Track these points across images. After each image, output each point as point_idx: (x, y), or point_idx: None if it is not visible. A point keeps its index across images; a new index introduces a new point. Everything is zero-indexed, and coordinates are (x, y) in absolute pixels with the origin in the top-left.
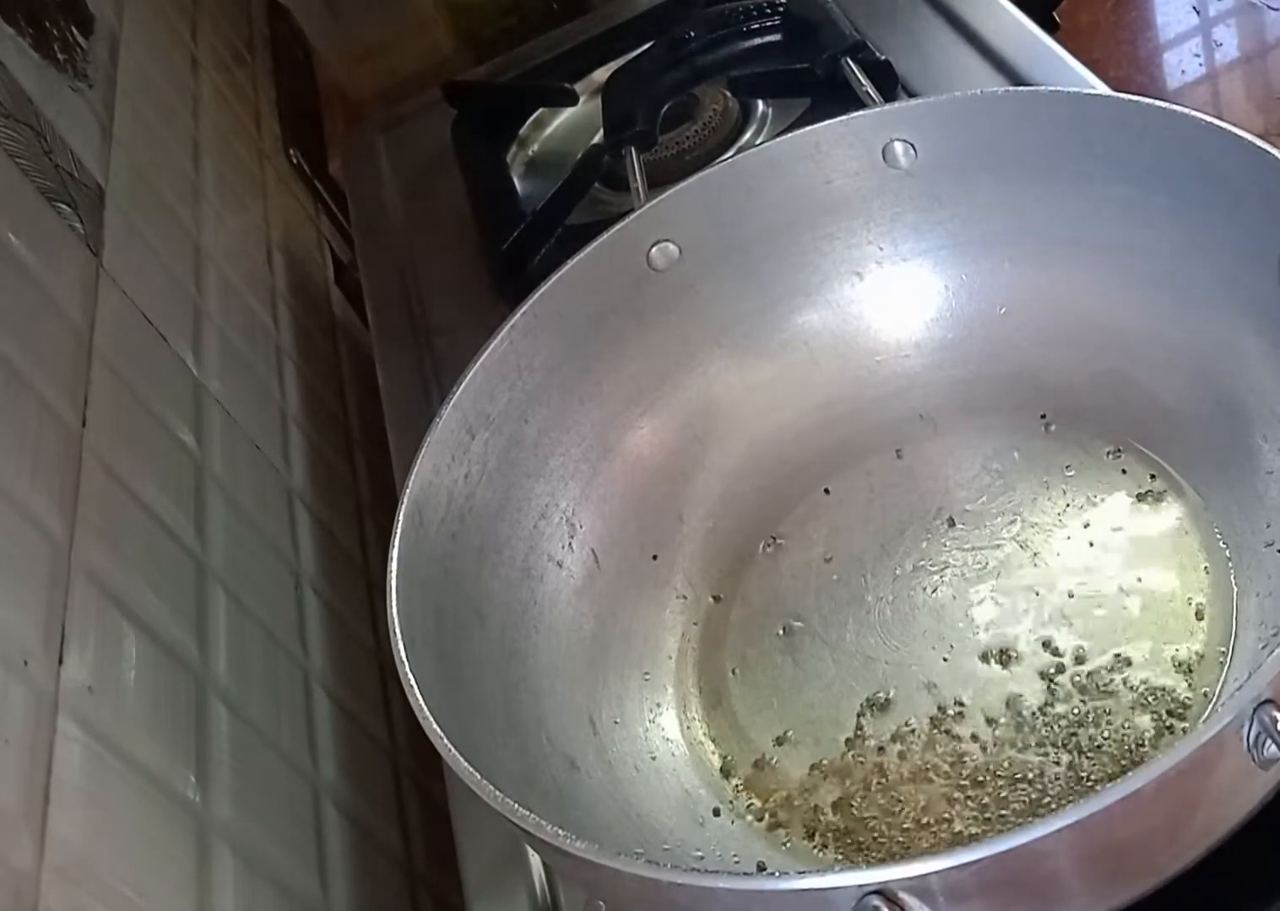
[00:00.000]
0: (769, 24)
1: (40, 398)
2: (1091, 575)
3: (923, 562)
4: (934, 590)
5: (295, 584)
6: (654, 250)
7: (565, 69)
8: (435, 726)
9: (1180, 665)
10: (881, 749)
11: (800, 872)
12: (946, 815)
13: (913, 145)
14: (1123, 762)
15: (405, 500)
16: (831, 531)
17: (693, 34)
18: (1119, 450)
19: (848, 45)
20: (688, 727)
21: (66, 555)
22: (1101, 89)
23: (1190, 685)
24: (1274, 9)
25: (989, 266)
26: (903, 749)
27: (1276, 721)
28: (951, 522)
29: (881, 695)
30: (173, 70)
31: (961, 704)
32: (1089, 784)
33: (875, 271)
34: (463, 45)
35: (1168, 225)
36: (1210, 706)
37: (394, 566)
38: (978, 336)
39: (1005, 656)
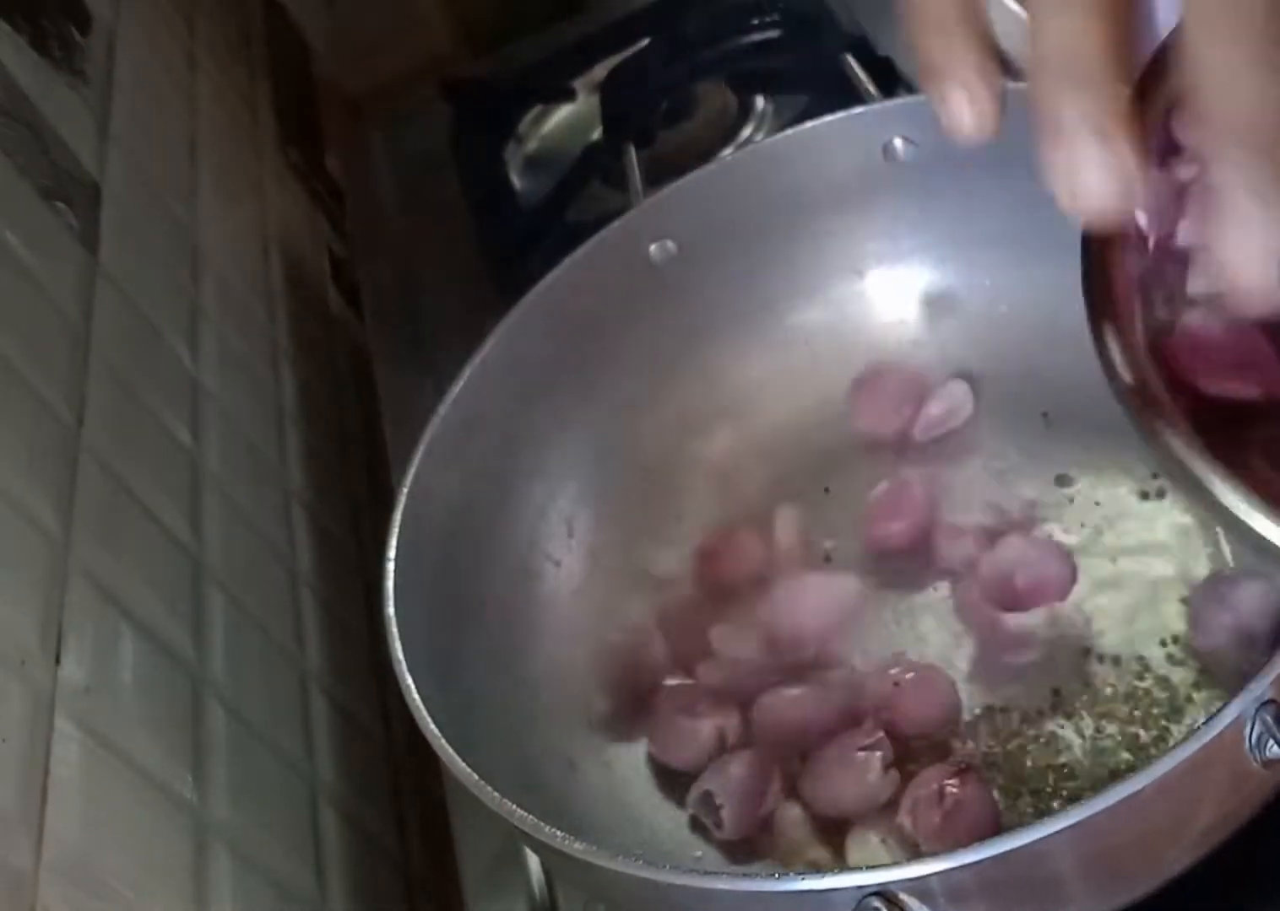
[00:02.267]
0: (768, 20)
1: (37, 396)
2: (1093, 574)
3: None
4: (935, 589)
5: (292, 583)
6: (652, 247)
7: (563, 66)
8: (432, 726)
9: (1182, 664)
10: None
11: (800, 873)
12: None
13: (913, 142)
14: (1122, 762)
15: (402, 499)
16: (831, 530)
17: (691, 30)
18: (1121, 448)
19: (848, 42)
20: None
21: (63, 554)
22: None
23: (1192, 684)
24: None
25: (990, 264)
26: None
27: (1279, 721)
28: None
29: None
30: (170, 67)
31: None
32: (1087, 783)
33: (875, 269)
34: (460, 42)
35: None
36: (1211, 706)
37: (391, 565)
38: (979, 334)
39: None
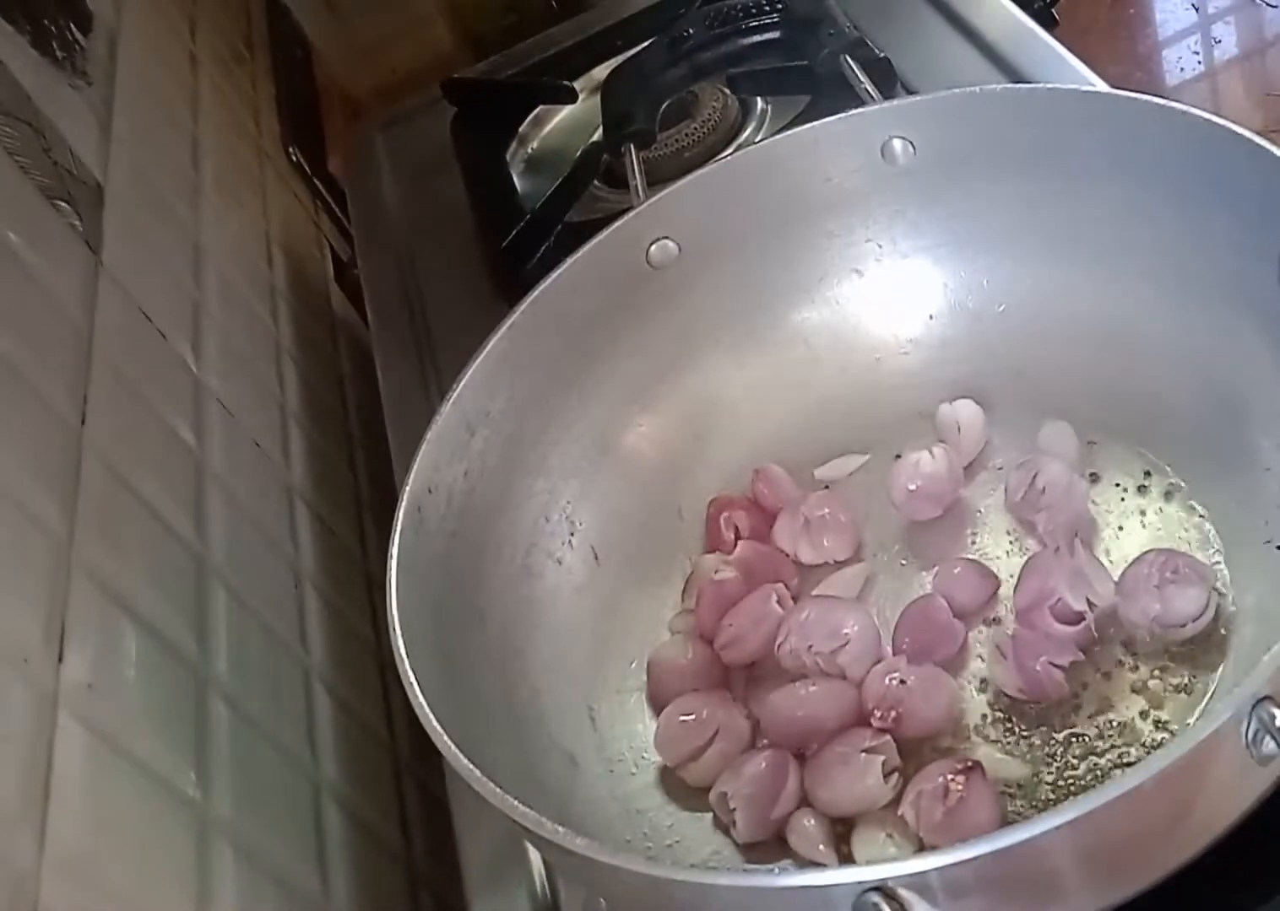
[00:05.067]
0: (768, 21)
1: (40, 395)
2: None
3: (922, 560)
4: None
5: (295, 581)
6: (653, 248)
7: (565, 66)
8: (435, 723)
9: (1178, 661)
10: None
11: (799, 869)
12: None
13: (912, 142)
14: (1121, 759)
15: (405, 497)
16: None
17: (692, 31)
18: (1117, 447)
19: (847, 42)
20: None
21: (67, 552)
22: (1100, 86)
23: (1188, 682)
24: (1272, 6)
25: (988, 264)
26: None
27: (1275, 718)
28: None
29: None
30: (172, 68)
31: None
32: (1086, 781)
33: (874, 269)
34: (462, 42)
35: (1167, 222)
36: (1208, 703)
37: (394, 563)
38: (977, 334)
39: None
